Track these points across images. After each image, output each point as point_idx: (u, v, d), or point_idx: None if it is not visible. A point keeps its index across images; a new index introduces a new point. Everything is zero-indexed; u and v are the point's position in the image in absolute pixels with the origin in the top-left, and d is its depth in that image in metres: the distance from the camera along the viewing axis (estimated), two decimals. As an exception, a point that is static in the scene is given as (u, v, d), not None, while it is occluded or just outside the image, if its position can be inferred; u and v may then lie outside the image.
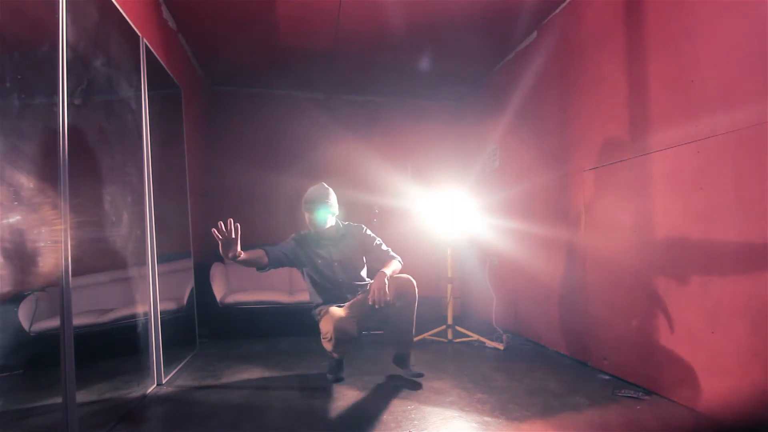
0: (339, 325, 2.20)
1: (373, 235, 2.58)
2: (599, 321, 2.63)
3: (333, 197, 2.48)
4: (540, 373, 2.56)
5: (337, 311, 2.29)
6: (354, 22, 3.24)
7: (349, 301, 2.42)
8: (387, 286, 2.19)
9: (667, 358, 2.12)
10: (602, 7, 2.65)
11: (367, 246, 2.54)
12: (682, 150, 2.06)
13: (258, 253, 2.27)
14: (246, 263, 2.19)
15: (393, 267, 2.38)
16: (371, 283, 2.31)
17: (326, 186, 2.51)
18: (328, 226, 2.47)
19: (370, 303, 2.17)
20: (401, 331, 2.36)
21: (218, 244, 2.00)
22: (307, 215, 2.45)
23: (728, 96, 1.86)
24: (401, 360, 2.42)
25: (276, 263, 2.35)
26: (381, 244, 2.54)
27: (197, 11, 3.10)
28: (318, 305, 2.48)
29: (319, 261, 2.45)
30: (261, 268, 2.32)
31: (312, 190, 2.47)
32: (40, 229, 1.58)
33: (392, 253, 2.51)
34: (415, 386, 2.30)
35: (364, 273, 2.59)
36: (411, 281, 2.34)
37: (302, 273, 2.54)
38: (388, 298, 2.17)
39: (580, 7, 2.87)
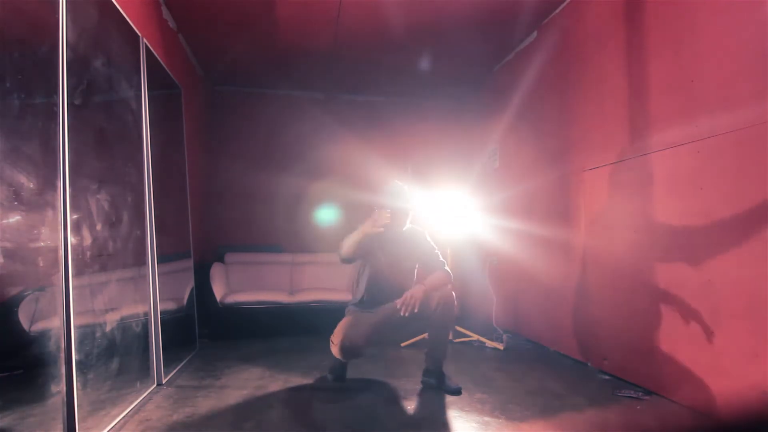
0: (349, 337, 2.17)
1: (431, 242, 2.47)
2: (599, 321, 2.63)
3: (410, 199, 2.43)
4: (540, 373, 2.56)
5: (358, 319, 2.27)
6: (354, 22, 3.24)
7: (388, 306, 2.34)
8: (419, 300, 2.11)
9: (667, 358, 2.12)
10: (602, 7, 2.65)
11: (422, 253, 2.44)
12: (682, 150, 2.06)
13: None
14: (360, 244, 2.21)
15: (435, 279, 2.28)
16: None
17: (403, 186, 2.42)
18: (404, 228, 2.42)
19: (397, 306, 2.11)
20: (438, 348, 2.30)
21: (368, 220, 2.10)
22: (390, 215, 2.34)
23: (728, 96, 1.86)
24: (435, 375, 2.31)
25: (360, 255, 2.33)
26: (438, 255, 2.42)
27: (197, 11, 3.10)
28: (353, 304, 2.43)
29: (381, 261, 2.38)
30: (349, 259, 2.30)
31: (396, 191, 2.38)
32: (40, 229, 1.58)
33: (446, 267, 2.37)
34: (416, 387, 2.30)
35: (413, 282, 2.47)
36: (452, 296, 2.25)
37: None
38: (416, 310, 2.11)
39: (580, 7, 2.87)
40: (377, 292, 2.38)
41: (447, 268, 2.38)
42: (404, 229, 2.45)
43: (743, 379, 1.76)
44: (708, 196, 1.93)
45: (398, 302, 2.13)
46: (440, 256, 2.43)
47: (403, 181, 2.51)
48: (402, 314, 2.11)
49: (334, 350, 2.22)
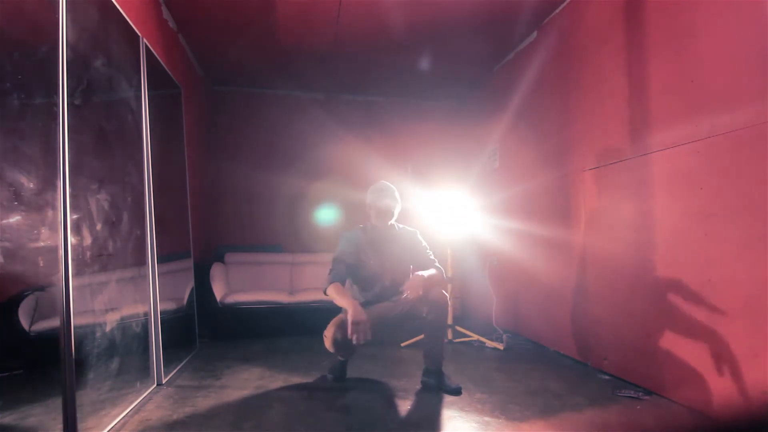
0: (340, 332, 2.18)
1: (423, 242, 2.51)
2: (599, 321, 2.63)
3: (398, 195, 2.48)
4: (540, 373, 2.56)
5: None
6: (354, 22, 3.24)
7: (383, 305, 2.35)
8: (421, 286, 2.15)
9: (667, 358, 2.12)
10: (602, 7, 2.65)
11: (415, 252, 2.47)
12: (682, 150, 2.06)
13: (344, 288, 2.28)
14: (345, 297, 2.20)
15: (430, 273, 2.30)
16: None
17: (391, 186, 2.49)
18: (391, 221, 2.47)
19: (403, 297, 2.15)
20: (435, 348, 2.30)
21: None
22: (374, 209, 2.43)
23: (728, 96, 1.86)
24: (434, 375, 2.30)
25: (349, 275, 2.39)
26: (430, 253, 2.47)
27: (197, 11, 3.10)
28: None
29: (371, 261, 2.40)
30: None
31: (379, 186, 2.47)
32: (40, 229, 1.58)
33: (437, 264, 2.42)
34: (416, 387, 2.30)
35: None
36: (445, 296, 2.27)
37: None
38: (420, 292, 2.14)
39: (580, 7, 2.87)
40: (370, 293, 2.40)
41: (438, 265, 2.42)
42: (397, 228, 2.50)
43: (743, 379, 1.76)
44: (708, 196, 1.93)
45: (404, 289, 2.16)
46: (431, 255, 2.47)
47: (401, 181, 2.53)
48: (406, 299, 2.15)
49: (327, 344, 2.26)
